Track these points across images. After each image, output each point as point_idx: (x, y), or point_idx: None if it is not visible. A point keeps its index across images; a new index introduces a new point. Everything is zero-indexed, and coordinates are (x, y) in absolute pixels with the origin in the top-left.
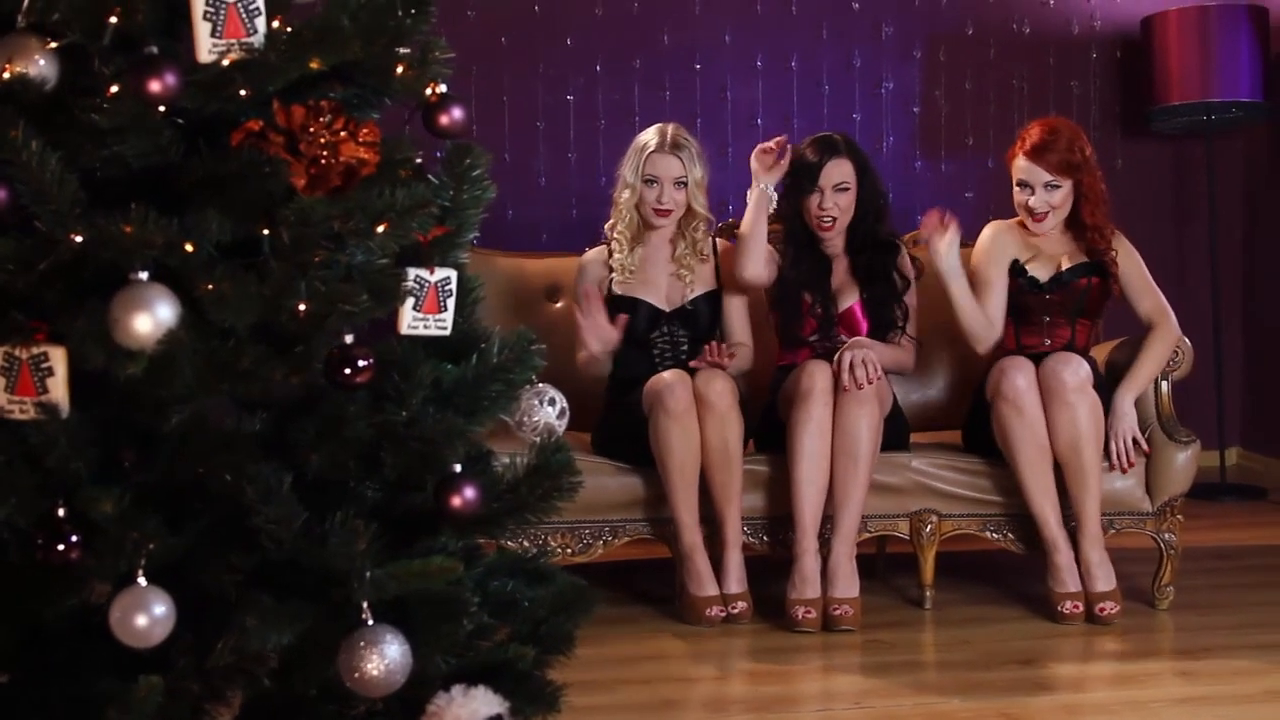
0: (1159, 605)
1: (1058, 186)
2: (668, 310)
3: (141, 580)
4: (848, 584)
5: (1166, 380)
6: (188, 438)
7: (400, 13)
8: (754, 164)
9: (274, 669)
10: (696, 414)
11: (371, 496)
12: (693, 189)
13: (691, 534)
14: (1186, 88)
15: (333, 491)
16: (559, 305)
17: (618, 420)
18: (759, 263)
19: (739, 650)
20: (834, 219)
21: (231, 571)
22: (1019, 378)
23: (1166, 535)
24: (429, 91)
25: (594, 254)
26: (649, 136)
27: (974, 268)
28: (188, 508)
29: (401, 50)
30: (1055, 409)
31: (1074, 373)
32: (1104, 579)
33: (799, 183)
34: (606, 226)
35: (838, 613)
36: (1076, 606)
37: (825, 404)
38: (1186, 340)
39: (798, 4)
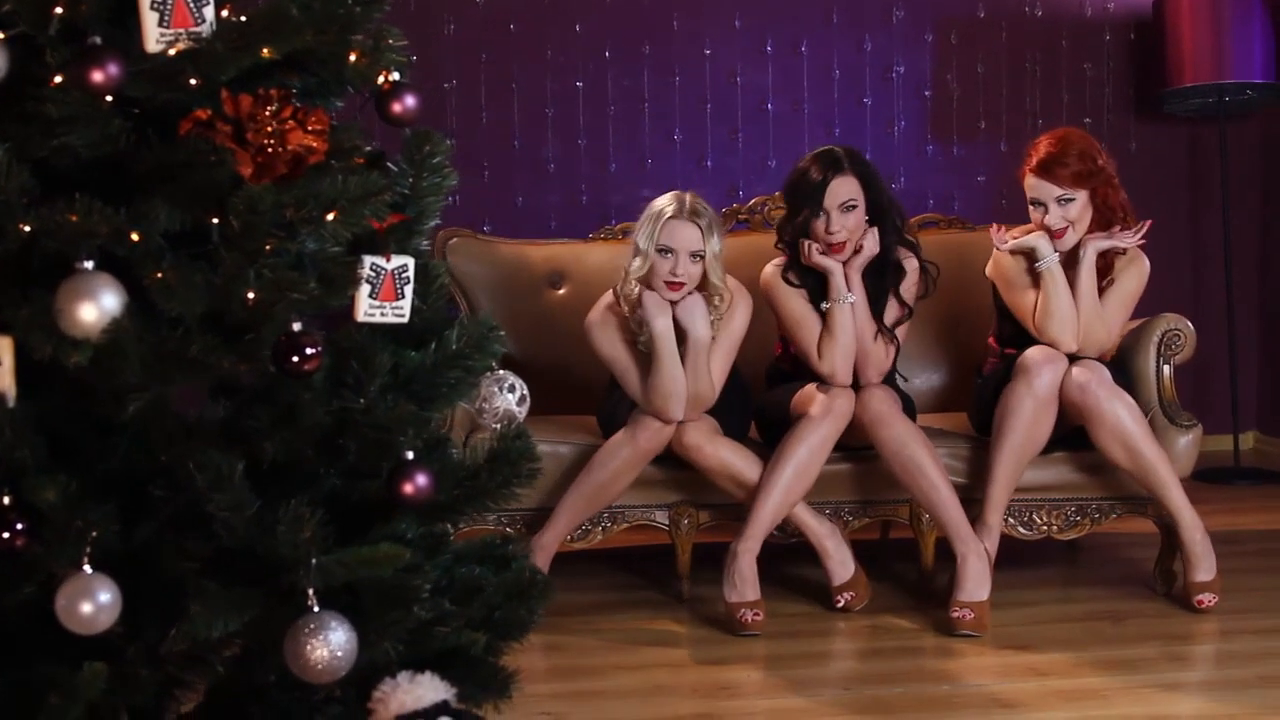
0: (1160, 590)
1: (1071, 199)
2: None
3: (87, 568)
4: (977, 586)
5: (1169, 364)
6: (146, 426)
7: (351, 1)
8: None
9: (235, 656)
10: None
11: (330, 484)
12: (710, 261)
13: (553, 537)
14: (1199, 69)
15: (292, 479)
16: (561, 292)
17: (623, 402)
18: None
19: (735, 637)
20: (843, 242)
21: (188, 559)
22: (1048, 372)
23: (1168, 520)
24: (381, 79)
25: (600, 315)
26: (665, 203)
27: (1008, 274)
28: (151, 495)
29: (354, 38)
30: (1095, 424)
31: (1100, 381)
32: (1205, 569)
33: (801, 204)
34: (619, 292)
35: (957, 615)
36: (968, 614)
37: (837, 429)
38: (1189, 323)
39: None
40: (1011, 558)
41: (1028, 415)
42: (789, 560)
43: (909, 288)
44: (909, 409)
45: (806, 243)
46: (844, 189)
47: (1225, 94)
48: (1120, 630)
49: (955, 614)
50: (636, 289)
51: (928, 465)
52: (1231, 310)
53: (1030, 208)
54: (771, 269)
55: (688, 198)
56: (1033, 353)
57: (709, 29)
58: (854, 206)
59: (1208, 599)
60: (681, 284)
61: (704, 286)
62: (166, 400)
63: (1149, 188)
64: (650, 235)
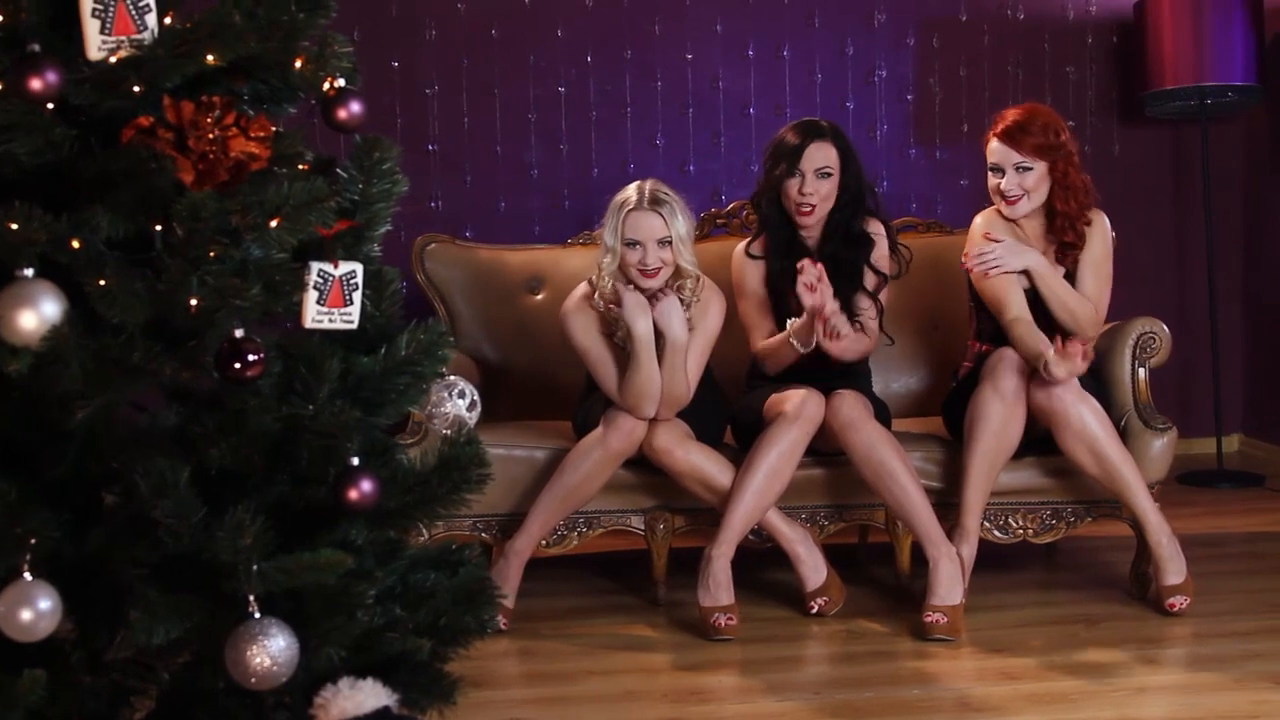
0: (1135, 593)
1: (1029, 169)
2: None
3: (27, 575)
4: (949, 590)
5: (1144, 367)
6: (95, 432)
7: (294, 8)
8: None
9: (187, 662)
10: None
11: (279, 490)
12: (678, 245)
13: (526, 542)
14: (1180, 72)
15: (241, 486)
16: (539, 297)
17: (597, 405)
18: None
19: (710, 642)
20: (813, 205)
21: (137, 565)
22: (1013, 376)
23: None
24: (327, 86)
25: (576, 304)
26: (627, 194)
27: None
28: (102, 502)
29: (300, 44)
30: (1061, 428)
31: (1067, 385)
32: (1175, 571)
33: (778, 165)
34: (595, 283)
35: (930, 620)
36: (941, 618)
37: (807, 433)
38: (1163, 326)
39: None
40: (988, 561)
41: (996, 418)
42: (764, 565)
43: (881, 256)
44: (882, 415)
45: (799, 281)
46: (821, 155)
47: (1206, 96)
48: (1094, 634)
49: (928, 618)
50: (611, 284)
51: (898, 470)
52: (1215, 313)
53: (989, 173)
54: (739, 249)
55: (648, 186)
56: (999, 355)
57: (690, 33)
58: (829, 174)
59: (1179, 601)
60: (656, 270)
61: (677, 273)
62: (115, 407)
63: (1133, 190)
64: (615, 230)
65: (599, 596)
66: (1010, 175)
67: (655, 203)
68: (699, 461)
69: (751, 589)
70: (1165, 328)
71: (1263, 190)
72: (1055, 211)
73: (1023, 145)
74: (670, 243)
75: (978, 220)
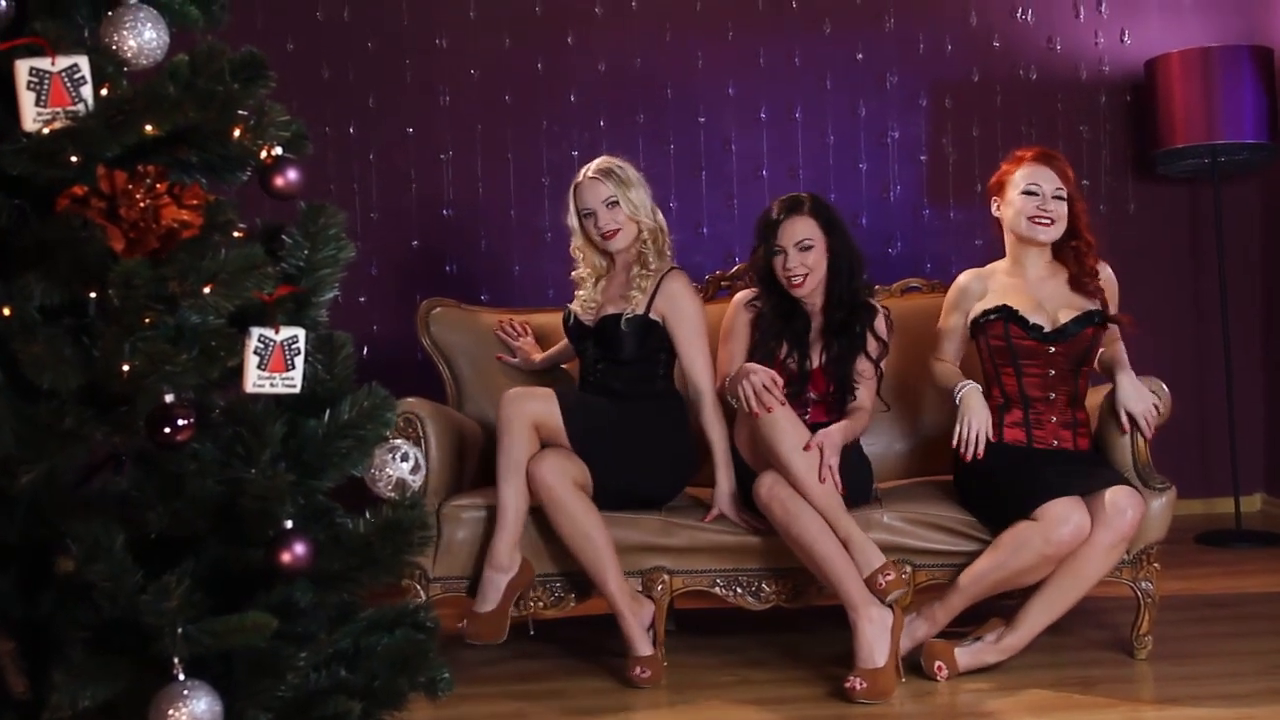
0: (1138, 655)
1: (1062, 196)
2: (590, 325)
3: None
4: (871, 653)
5: None
6: (38, 496)
7: (231, 79)
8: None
9: None
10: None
11: (220, 553)
12: (626, 204)
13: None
14: (1191, 130)
15: (184, 549)
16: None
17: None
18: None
19: (711, 704)
20: (803, 276)
21: (80, 628)
22: (1066, 530)
23: (1144, 584)
24: (264, 154)
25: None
26: (576, 176)
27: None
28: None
29: (238, 114)
30: (1096, 530)
31: (1132, 523)
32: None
33: (760, 243)
34: (574, 275)
35: (848, 685)
36: (860, 683)
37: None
38: (1164, 386)
39: (801, 55)
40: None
41: (1029, 559)
42: (781, 629)
43: (881, 324)
44: (864, 474)
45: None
46: (800, 228)
47: (1219, 154)
48: (1088, 696)
49: (848, 684)
50: (584, 255)
51: (816, 539)
52: (1230, 371)
53: (1021, 197)
54: (742, 292)
55: (597, 160)
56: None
57: (702, 96)
58: (810, 246)
59: (943, 669)
60: (615, 230)
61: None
62: (58, 471)
63: (1149, 249)
64: (572, 210)
65: (595, 658)
66: (1050, 200)
67: (602, 173)
68: (562, 498)
69: (754, 655)
70: (1164, 386)
71: None
72: (1081, 237)
73: (1059, 170)
74: (618, 203)
75: (960, 280)
